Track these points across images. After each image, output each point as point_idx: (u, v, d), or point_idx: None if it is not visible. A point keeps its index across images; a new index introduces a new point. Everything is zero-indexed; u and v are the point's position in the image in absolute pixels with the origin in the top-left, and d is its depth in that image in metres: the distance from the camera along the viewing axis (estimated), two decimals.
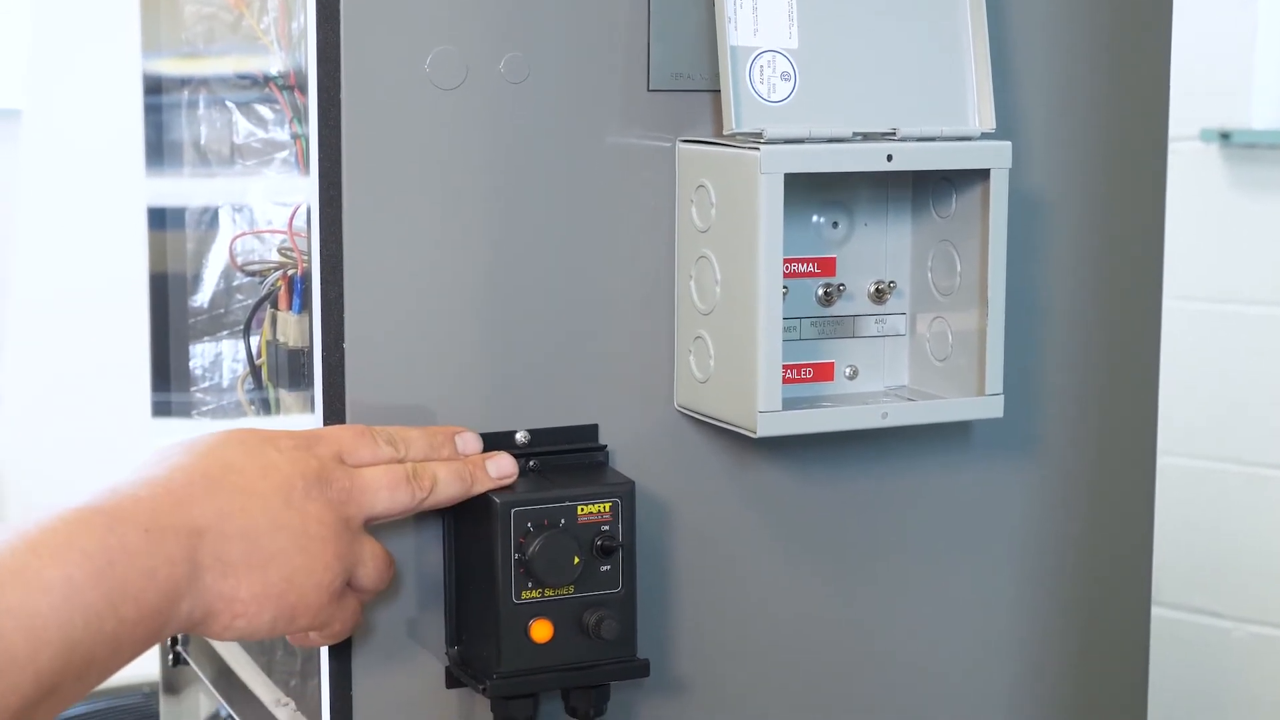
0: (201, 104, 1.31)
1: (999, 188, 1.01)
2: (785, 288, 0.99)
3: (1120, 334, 1.17)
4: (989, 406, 1.03)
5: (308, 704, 1.09)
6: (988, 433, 1.12)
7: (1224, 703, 2.68)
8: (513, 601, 0.95)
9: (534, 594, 0.95)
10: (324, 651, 0.98)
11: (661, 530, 1.04)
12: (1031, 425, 1.14)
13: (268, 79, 1.15)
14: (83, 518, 0.82)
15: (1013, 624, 1.16)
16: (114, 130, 1.88)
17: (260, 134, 1.19)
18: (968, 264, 1.03)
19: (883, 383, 1.08)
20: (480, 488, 0.95)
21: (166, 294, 1.38)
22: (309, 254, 0.97)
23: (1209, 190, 2.62)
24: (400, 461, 0.94)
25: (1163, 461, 1.25)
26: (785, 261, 0.97)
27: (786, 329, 1.01)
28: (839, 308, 1.06)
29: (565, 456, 1.00)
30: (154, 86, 1.37)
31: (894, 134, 1.01)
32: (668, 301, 1.03)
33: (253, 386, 1.20)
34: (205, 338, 1.32)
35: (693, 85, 1.02)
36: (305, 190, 1.00)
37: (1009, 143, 1.02)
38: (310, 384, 0.99)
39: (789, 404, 0.99)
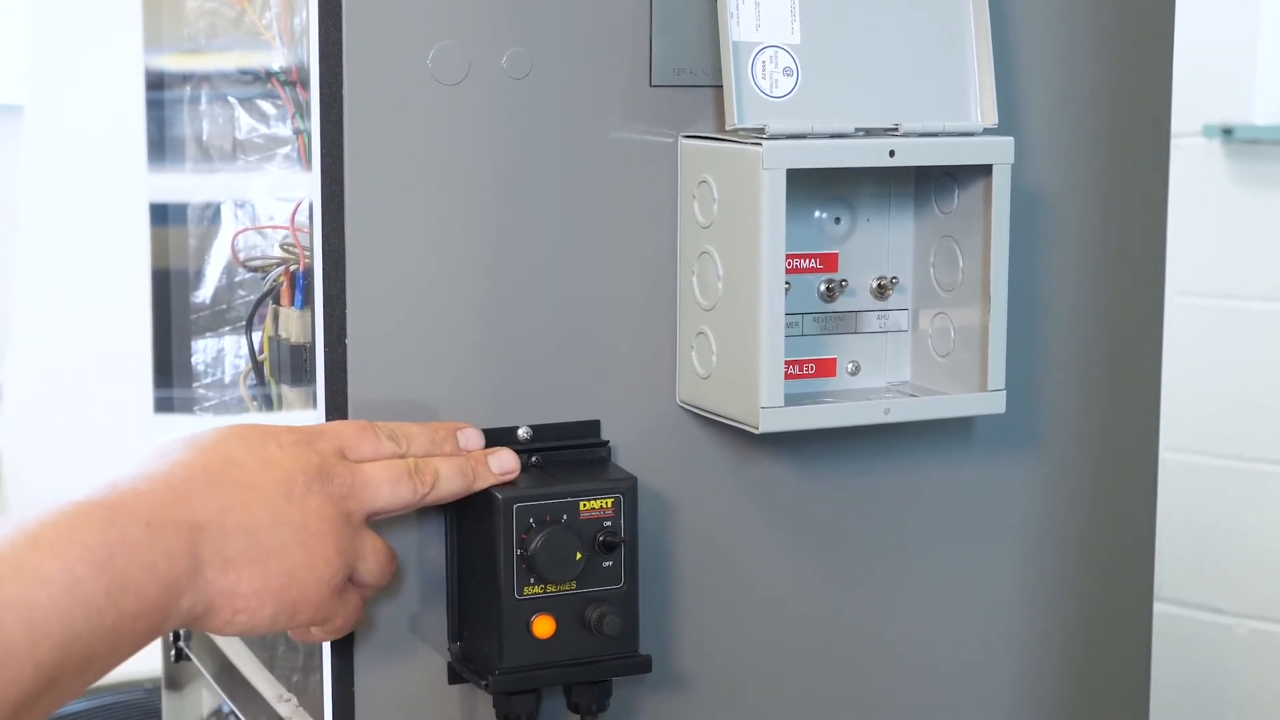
0: (203, 99, 1.31)
1: (1001, 183, 1.01)
2: (787, 283, 0.99)
3: (1122, 330, 1.17)
4: (991, 402, 1.03)
5: (310, 699, 1.09)
6: (990, 428, 1.12)
7: (1226, 699, 2.68)
8: (515, 597, 0.95)
9: (536, 589, 0.95)
10: (326, 647, 0.98)
11: (663, 526, 1.04)
12: (1033, 421, 1.14)
13: (270, 74, 1.15)
14: (83, 511, 0.82)
15: (1014, 619, 1.16)
16: (116, 126, 1.87)
17: (262, 129, 1.19)
18: (970, 260, 1.03)
19: (885, 379, 1.08)
20: (482, 483, 0.95)
21: (168, 289, 1.37)
22: (311, 250, 0.97)
23: (1211, 186, 2.61)
24: (402, 457, 0.94)
25: (1164, 457, 1.25)
26: (787, 257, 0.97)
27: (789, 325, 1.00)
28: (841, 303, 1.06)
29: (567, 452, 1.00)
30: (156, 82, 1.36)
31: (896, 129, 1.00)
32: (670, 297, 1.03)
33: (255, 382, 1.20)
34: (207, 333, 1.32)
35: (695, 80, 1.02)
36: (307, 186, 1.00)
37: (1011, 138, 1.02)
38: (312, 379, 0.99)
39: (791, 400, 0.98)
